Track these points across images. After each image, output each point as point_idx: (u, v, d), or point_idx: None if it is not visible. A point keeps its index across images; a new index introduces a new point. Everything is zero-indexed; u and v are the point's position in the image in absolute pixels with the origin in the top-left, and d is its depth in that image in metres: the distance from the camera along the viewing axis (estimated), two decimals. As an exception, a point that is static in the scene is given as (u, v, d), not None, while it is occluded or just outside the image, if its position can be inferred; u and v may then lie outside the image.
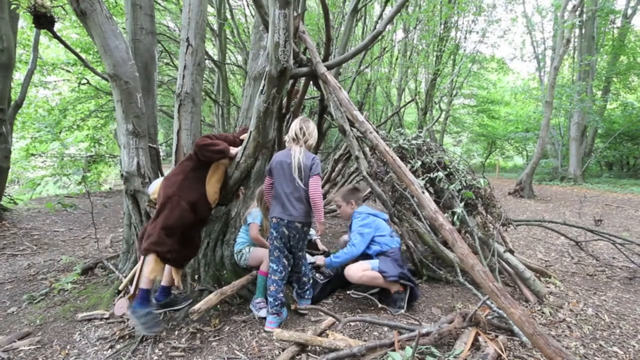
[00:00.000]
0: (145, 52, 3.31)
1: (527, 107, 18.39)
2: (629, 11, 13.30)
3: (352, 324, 2.35)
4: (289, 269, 2.49)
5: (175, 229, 2.19)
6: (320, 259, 2.79)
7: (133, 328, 2.35)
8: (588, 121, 12.55)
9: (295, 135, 2.39)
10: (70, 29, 8.19)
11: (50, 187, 9.15)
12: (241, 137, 2.56)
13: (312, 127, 2.44)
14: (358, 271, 2.57)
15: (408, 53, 13.09)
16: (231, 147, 2.40)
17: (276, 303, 2.36)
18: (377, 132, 3.11)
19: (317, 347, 2.01)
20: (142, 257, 2.36)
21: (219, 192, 2.48)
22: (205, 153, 2.26)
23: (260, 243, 2.80)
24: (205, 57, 7.04)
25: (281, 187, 2.37)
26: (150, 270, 2.12)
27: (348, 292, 2.49)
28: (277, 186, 2.40)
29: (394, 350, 1.88)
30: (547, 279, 3.12)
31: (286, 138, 2.46)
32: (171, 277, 2.47)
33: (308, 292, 2.62)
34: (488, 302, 2.21)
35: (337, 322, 2.30)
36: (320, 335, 2.14)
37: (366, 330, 2.30)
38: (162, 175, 3.14)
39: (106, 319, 2.49)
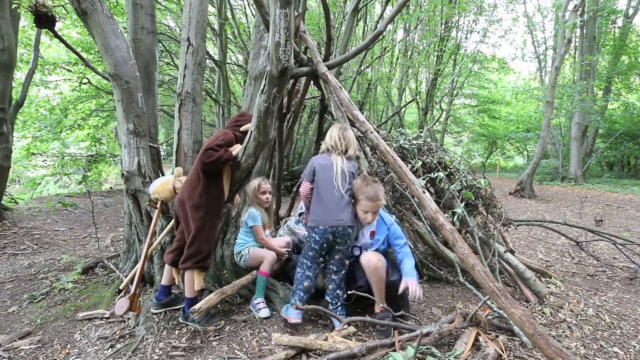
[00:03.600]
0: (146, 51, 3.31)
1: (528, 107, 18.39)
2: (631, 11, 13.28)
3: (352, 324, 2.35)
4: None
5: (215, 240, 2.49)
6: (410, 283, 2.18)
7: (133, 327, 2.35)
8: (589, 121, 12.54)
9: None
10: (71, 28, 8.20)
11: (50, 187, 9.17)
12: (241, 129, 2.50)
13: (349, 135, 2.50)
14: (378, 262, 2.25)
15: (409, 53, 13.08)
16: (232, 148, 2.39)
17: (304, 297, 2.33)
18: (378, 132, 3.11)
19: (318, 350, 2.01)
20: (167, 266, 2.50)
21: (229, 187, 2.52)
22: (214, 168, 2.28)
23: (268, 245, 2.78)
24: (206, 56, 7.05)
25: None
26: (198, 284, 2.27)
27: (349, 292, 2.38)
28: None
29: (394, 350, 1.88)
30: (548, 279, 3.12)
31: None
32: (171, 276, 2.47)
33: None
34: (488, 302, 2.21)
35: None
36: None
37: (366, 330, 2.30)
38: (163, 174, 3.14)
39: (107, 318, 2.49)
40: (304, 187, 2.45)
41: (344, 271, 2.41)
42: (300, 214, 3.21)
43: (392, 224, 2.45)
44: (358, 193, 2.33)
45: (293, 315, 2.26)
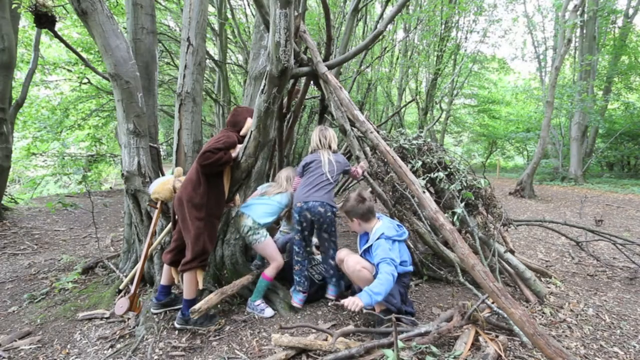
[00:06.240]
0: (146, 51, 3.31)
1: (528, 107, 18.36)
2: (631, 11, 13.26)
3: (352, 323, 2.35)
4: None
5: (215, 239, 2.52)
6: (353, 302, 1.96)
7: (133, 327, 2.35)
8: (589, 121, 12.52)
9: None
10: (71, 28, 8.20)
11: (50, 187, 9.17)
12: (241, 133, 2.56)
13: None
14: (356, 264, 2.29)
15: (409, 53, 13.07)
16: (232, 150, 2.40)
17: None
18: (378, 132, 3.11)
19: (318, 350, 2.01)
20: (166, 267, 2.49)
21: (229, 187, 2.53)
22: (214, 170, 2.29)
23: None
24: (206, 56, 7.05)
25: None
26: (201, 283, 2.28)
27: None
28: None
29: (393, 350, 1.88)
30: (548, 279, 3.12)
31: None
32: (171, 276, 2.47)
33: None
34: (488, 301, 2.21)
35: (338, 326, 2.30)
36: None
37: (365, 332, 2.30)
38: (163, 174, 3.15)
39: (107, 318, 2.50)
40: (295, 182, 2.78)
41: (330, 249, 2.62)
42: None
43: (377, 246, 2.29)
44: None
45: (296, 300, 2.59)
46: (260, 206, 2.71)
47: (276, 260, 2.60)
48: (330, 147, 2.76)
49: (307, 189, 2.55)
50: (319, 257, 2.96)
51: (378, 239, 2.32)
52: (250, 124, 2.44)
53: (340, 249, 2.62)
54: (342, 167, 2.72)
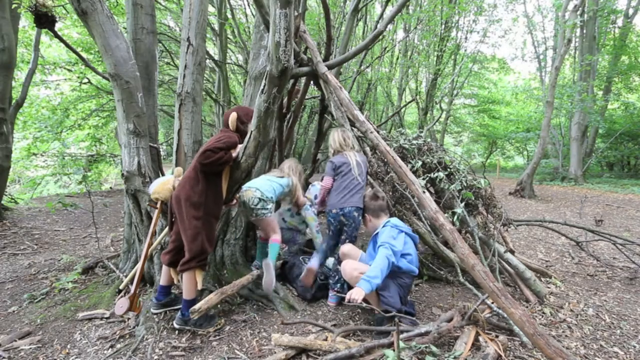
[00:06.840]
0: (146, 51, 3.31)
1: (528, 107, 18.36)
2: (631, 11, 13.26)
3: (352, 323, 2.35)
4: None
5: (214, 239, 2.49)
6: (357, 292, 1.96)
7: (133, 327, 2.35)
8: (589, 121, 12.52)
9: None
10: (71, 28, 8.20)
11: (51, 187, 9.17)
12: (230, 127, 2.56)
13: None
14: (353, 271, 2.29)
15: (409, 53, 13.08)
16: (232, 150, 2.40)
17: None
18: (378, 131, 3.11)
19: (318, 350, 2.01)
20: (163, 268, 2.48)
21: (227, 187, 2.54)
22: (214, 169, 2.29)
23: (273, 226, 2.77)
24: (206, 56, 7.05)
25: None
26: (200, 283, 2.28)
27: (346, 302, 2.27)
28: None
29: (393, 350, 1.88)
30: (548, 279, 3.12)
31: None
32: (170, 276, 2.47)
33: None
34: (488, 301, 2.21)
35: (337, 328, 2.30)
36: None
37: (366, 330, 2.30)
38: (163, 174, 3.15)
39: (107, 318, 2.50)
40: (327, 182, 2.80)
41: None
42: (315, 196, 3.40)
43: (382, 232, 2.39)
44: None
45: (332, 302, 2.72)
46: (265, 182, 2.80)
47: (278, 233, 2.72)
48: (353, 147, 2.86)
49: (342, 195, 2.66)
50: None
51: (384, 226, 2.44)
52: (235, 117, 2.48)
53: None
54: (366, 167, 2.85)
